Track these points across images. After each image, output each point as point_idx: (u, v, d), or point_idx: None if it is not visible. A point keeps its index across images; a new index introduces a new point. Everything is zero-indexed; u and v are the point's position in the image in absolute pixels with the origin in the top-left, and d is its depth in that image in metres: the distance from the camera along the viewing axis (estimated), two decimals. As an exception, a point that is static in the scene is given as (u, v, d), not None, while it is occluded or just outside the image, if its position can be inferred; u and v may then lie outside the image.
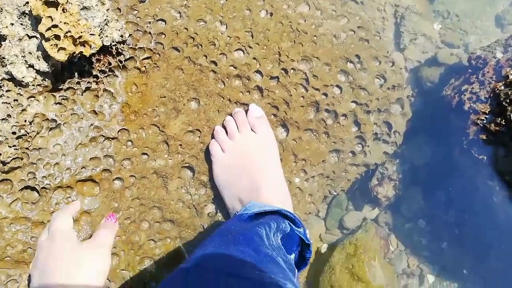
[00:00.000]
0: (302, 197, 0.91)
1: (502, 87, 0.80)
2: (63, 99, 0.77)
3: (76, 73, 0.78)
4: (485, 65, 0.87)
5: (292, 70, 0.87)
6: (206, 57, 0.85)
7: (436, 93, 0.94)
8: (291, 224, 0.68)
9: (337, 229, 0.99)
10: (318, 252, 0.98)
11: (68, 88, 0.78)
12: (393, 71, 0.95)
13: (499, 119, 0.78)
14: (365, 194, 0.98)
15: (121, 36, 0.78)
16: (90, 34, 0.71)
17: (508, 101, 0.78)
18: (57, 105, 0.77)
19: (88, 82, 0.79)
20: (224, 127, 0.85)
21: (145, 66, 0.83)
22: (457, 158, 0.87)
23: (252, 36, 0.87)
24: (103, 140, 0.80)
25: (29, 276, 0.68)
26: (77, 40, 0.70)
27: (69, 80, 0.78)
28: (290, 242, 0.67)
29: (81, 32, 0.69)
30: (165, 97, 0.83)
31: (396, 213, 0.98)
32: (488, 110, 0.81)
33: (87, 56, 0.73)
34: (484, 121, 0.80)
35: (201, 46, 0.85)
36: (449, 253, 0.92)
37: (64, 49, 0.69)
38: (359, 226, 0.97)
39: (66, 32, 0.68)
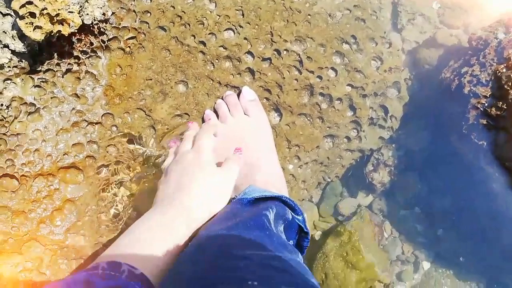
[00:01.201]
0: (295, 183, 0.88)
1: (504, 70, 0.77)
2: (42, 81, 0.73)
3: (55, 54, 0.73)
4: (486, 46, 0.84)
5: (285, 51, 0.83)
6: (194, 37, 0.80)
7: (435, 76, 0.90)
8: (291, 211, 0.65)
9: (331, 216, 0.96)
10: (313, 239, 0.95)
11: (47, 70, 0.73)
12: (390, 53, 0.91)
13: (500, 103, 0.75)
14: (360, 181, 0.95)
15: (103, 14, 0.73)
16: (69, 12, 0.66)
17: (510, 84, 0.74)
18: (36, 88, 0.73)
19: (69, 64, 0.74)
20: (214, 111, 0.81)
21: (129, 47, 0.78)
22: (455, 144, 0.84)
23: (242, 14, 0.82)
24: (86, 125, 0.76)
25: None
26: (55, 18, 0.65)
27: (48, 61, 0.73)
28: (290, 230, 0.65)
29: (59, 10, 0.64)
30: (151, 79, 0.79)
31: (391, 199, 0.96)
32: (489, 93, 0.78)
33: (66, 35, 0.69)
34: (485, 105, 0.77)
35: (189, 26, 0.80)
36: (445, 240, 0.90)
37: (40, 27, 0.64)
38: (353, 213, 0.94)
39: (42, 10, 0.63)
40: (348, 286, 0.87)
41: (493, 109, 0.76)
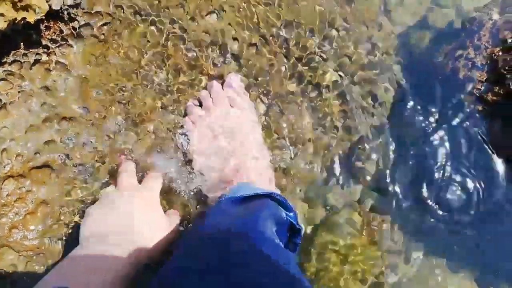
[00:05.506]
0: (283, 176, 0.84)
1: (500, 53, 0.74)
2: (8, 74, 0.67)
3: (21, 43, 0.67)
4: (480, 27, 0.80)
5: (271, 37, 0.78)
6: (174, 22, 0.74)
7: (427, 60, 0.87)
8: (282, 208, 0.62)
9: (321, 208, 0.93)
10: (304, 232, 0.92)
11: (13, 61, 0.67)
12: (380, 36, 0.87)
13: (497, 88, 0.73)
14: (350, 170, 0.92)
15: (73, -2, 0.67)
16: (33, -4, 0.60)
17: (507, 68, 0.72)
18: (1, 81, 0.66)
19: (37, 54, 0.68)
20: (199, 102, 0.76)
21: (103, 34, 0.72)
22: (449, 132, 0.81)
23: (226, -3, 0.77)
24: (59, 121, 0.70)
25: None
26: (18, 3, 0.59)
27: (13, 51, 0.67)
28: (281, 228, 0.62)
29: (21, -6, 0.58)
30: (128, 69, 0.73)
31: (382, 189, 0.93)
32: (485, 78, 0.75)
33: (33, 23, 0.62)
34: (481, 91, 0.74)
35: (168, 9, 0.74)
36: (437, 230, 0.88)
37: (2, 15, 0.58)
38: (343, 204, 0.91)
39: (2, -6, 0.57)
40: (339, 279, 0.85)
41: (490, 94, 0.73)
